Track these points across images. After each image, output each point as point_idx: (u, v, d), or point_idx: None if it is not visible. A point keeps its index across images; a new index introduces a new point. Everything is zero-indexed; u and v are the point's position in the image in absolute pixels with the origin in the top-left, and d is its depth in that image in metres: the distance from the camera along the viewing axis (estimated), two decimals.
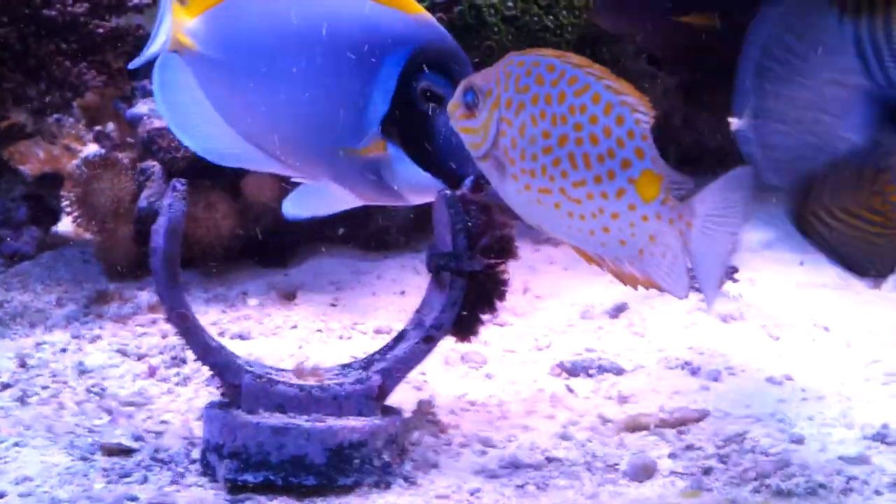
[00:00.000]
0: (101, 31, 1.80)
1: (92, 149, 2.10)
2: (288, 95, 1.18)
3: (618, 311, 1.62)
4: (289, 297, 1.73)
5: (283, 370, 1.19)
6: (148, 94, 1.88)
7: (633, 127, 1.01)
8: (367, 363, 1.22)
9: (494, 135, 1.06)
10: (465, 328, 1.22)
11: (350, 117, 1.16)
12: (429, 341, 1.19)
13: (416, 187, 1.19)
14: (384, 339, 1.44)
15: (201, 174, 1.72)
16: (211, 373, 1.17)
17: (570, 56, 1.03)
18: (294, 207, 1.25)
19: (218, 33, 1.22)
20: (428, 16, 1.17)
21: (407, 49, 1.15)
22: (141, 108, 1.82)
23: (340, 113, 1.16)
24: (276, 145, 1.21)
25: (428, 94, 1.15)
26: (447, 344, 1.28)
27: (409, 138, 1.16)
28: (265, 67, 1.19)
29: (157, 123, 1.75)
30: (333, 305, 1.71)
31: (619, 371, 1.42)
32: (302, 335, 1.58)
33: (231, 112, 1.23)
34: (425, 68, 1.15)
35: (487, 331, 1.50)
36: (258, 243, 1.86)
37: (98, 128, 2.11)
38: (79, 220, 1.82)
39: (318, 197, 1.25)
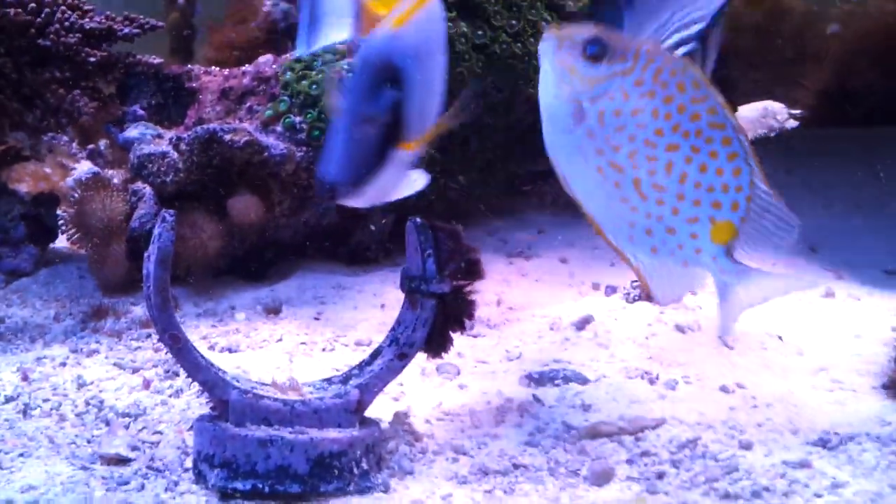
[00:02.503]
0: (93, 59, 1.87)
1: (85, 166, 2.17)
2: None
3: (584, 323, 1.70)
4: (274, 311, 1.81)
5: (266, 384, 1.28)
6: (138, 118, 1.95)
7: (744, 183, 1.09)
8: (346, 378, 1.30)
9: (598, 95, 1.11)
10: (436, 346, 1.31)
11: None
12: (402, 358, 1.28)
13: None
14: (365, 351, 1.53)
15: (190, 197, 1.80)
16: (201, 389, 1.26)
17: (715, 90, 1.10)
18: None
19: None
20: (388, 30, 1.21)
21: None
22: (132, 132, 1.88)
23: None
24: None
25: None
26: (423, 356, 1.36)
27: None
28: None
29: (146, 149, 1.82)
30: (317, 319, 1.79)
31: (583, 381, 1.50)
32: (287, 348, 1.65)
33: None
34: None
35: (462, 342, 1.58)
36: (245, 261, 1.94)
37: (91, 146, 2.19)
38: (74, 239, 1.90)
39: None
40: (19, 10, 1.84)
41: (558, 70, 1.13)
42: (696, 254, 1.12)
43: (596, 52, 1.12)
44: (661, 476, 1.22)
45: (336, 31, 1.31)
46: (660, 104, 1.10)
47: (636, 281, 1.80)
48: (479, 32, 1.93)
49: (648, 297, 1.76)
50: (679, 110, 1.10)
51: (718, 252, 1.12)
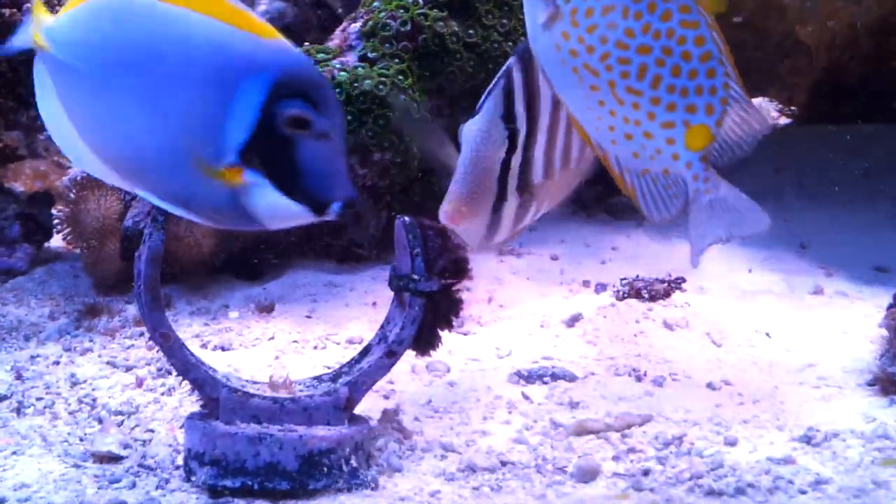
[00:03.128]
0: None
1: None
2: (143, 114, 1.11)
3: (573, 320, 1.72)
4: (267, 309, 1.82)
5: (257, 382, 1.29)
6: None
7: (718, 85, 1.05)
8: (336, 375, 1.31)
9: None
10: (424, 343, 1.32)
11: (206, 143, 1.10)
12: (391, 356, 1.29)
13: (281, 215, 1.15)
14: (356, 349, 1.54)
15: None
16: (191, 387, 1.27)
17: None
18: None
19: (74, 36, 1.15)
20: (284, 40, 1.12)
21: (267, 76, 1.10)
22: None
23: (195, 138, 1.10)
24: (129, 166, 1.15)
25: (294, 121, 1.10)
26: (412, 353, 1.36)
27: (273, 166, 1.12)
28: (121, 80, 1.12)
29: None
30: (309, 317, 1.80)
31: (571, 378, 1.51)
32: (279, 346, 1.67)
33: (84, 124, 1.16)
34: (288, 95, 1.10)
35: (452, 340, 1.60)
36: (237, 259, 1.96)
37: None
38: (69, 238, 1.92)
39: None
40: (14, 9, 1.85)
41: None
42: (673, 160, 1.09)
43: None
44: (646, 473, 1.24)
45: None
46: (629, 2, 1.06)
47: (625, 279, 1.82)
48: (471, 31, 1.95)
49: (637, 294, 1.77)
50: (649, 9, 1.05)
51: (693, 158, 1.09)
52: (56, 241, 2.09)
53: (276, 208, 1.13)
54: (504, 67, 1.31)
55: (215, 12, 1.10)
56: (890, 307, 1.48)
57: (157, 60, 1.11)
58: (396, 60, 1.94)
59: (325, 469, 1.20)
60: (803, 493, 1.17)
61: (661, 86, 1.07)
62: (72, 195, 1.89)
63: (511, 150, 1.29)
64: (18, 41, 1.19)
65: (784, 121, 2.89)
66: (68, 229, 1.90)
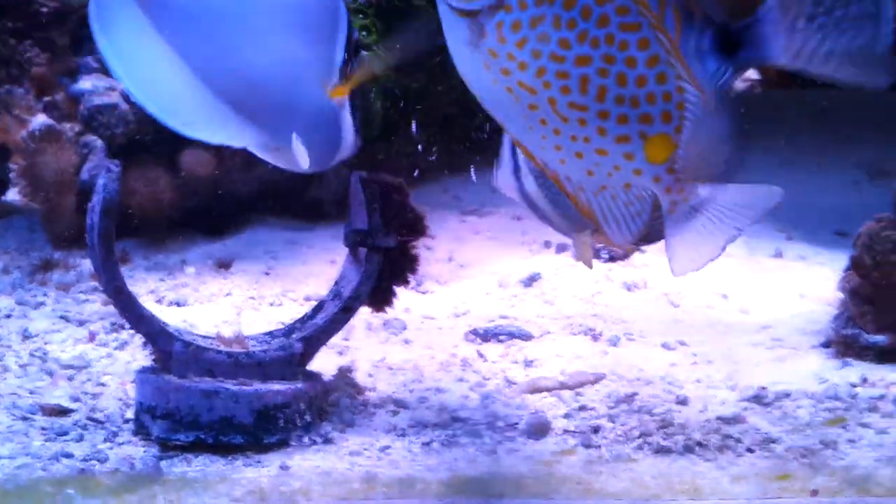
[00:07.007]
0: (45, 10, 1.87)
1: (41, 119, 2.16)
2: (261, 37, 1.17)
3: (531, 280, 1.72)
4: (225, 265, 1.82)
5: (209, 337, 1.28)
6: (91, 70, 1.94)
7: (671, 89, 0.95)
8: (289, 331, 1.31)
9: (494, 5, 0.95)
10: (380, 299, 1.32)
11: (324, 62, 1.19)
12: (347, 311, 1.29)
13: (349, 140, 1.23)
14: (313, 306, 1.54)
15: (141, 149, 1.80)
16: (144, 341, 1.26)
17: None
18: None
19: None
20: None
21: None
22: (84, 83, 1.88)
23: (318, 58, 1.19)
24: (240, 87, 1.17)
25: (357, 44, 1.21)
26: (368, 311, 1.37)
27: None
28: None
29: (97, 101, 1.82)
30: (267, 274, 1.80)
31: (527, 337, 1.52)
32: (236, 302, 1.66)
33: (193, 56, 1.17)
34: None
35: (410, 298, 1.60)
36: (197, 215, 1.94)
37: (47, 98, 2.17)
38: (25, 192, 1.90)
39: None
40: None
41: None
42: (636, 176, 1.00)
43: None
44: (596, 430, 1.24)
45: None
46: (560, 10, 0.95)
47: None
48: None
49: (597, 255, 1.77)
50: (584, 15, 0.95)
51: (660, 171, 0.99)
52: (13, 195, 2.07)
53: (349, 130, 1.22)
54: None
55: None
56: (846, 270, 1.49)
57: None
58: (360, 16, 1.92)
59: (280, 423, 1.19)
60: (751, 451, 1.18)
61: (608, 97, 0.96)
62: (28, 148, 1.87)
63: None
64: None
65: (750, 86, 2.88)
66: (24, 183, 1.88)
